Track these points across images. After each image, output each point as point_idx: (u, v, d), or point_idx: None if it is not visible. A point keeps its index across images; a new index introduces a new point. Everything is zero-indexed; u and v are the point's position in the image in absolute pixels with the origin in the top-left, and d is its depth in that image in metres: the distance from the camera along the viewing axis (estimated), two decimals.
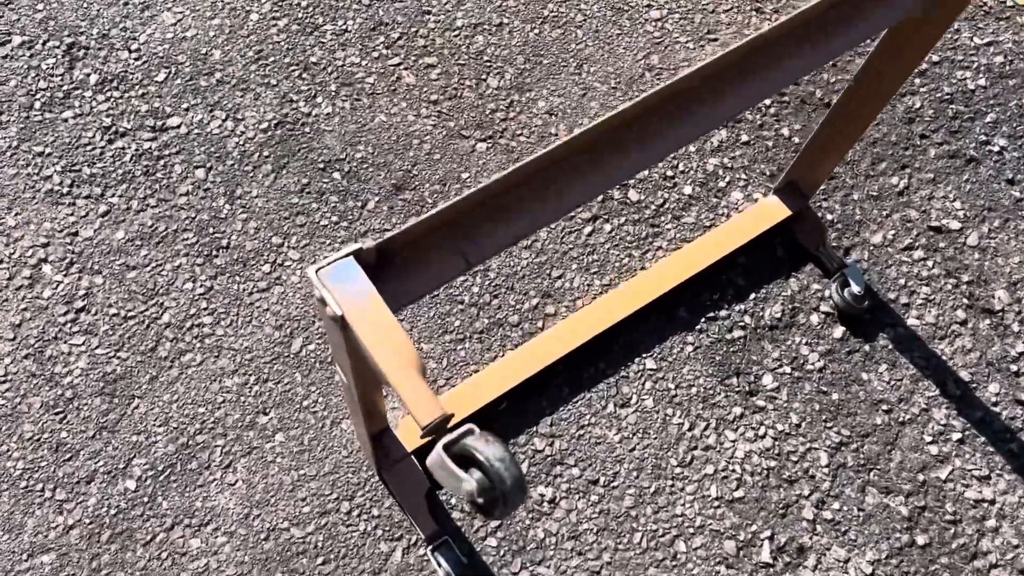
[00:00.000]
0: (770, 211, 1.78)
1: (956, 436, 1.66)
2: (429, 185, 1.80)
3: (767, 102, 1.95)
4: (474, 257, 0.86)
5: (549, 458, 1.60)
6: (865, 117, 1.45)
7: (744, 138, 1.91)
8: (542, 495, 1.56)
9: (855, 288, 1.70)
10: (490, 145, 1.85)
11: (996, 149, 1.93)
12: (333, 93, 1.88)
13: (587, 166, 0.92)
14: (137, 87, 1.84)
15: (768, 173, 1.87)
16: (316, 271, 0.77)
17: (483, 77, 1.92)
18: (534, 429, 1.60)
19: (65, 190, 1.72)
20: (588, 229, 1.79)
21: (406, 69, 1.92)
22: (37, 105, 1.81)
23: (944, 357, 1.73)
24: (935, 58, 2.02)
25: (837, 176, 1.89)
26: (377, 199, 1.78)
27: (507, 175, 0.86)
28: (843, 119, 1.48)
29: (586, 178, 0.91)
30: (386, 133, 1.84)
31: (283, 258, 1.71)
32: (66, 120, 1.79)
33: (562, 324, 1.67)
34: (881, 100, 1.40)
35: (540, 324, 1.70)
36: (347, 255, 0.78)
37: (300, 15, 1.95)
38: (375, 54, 1.93)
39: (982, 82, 2.00)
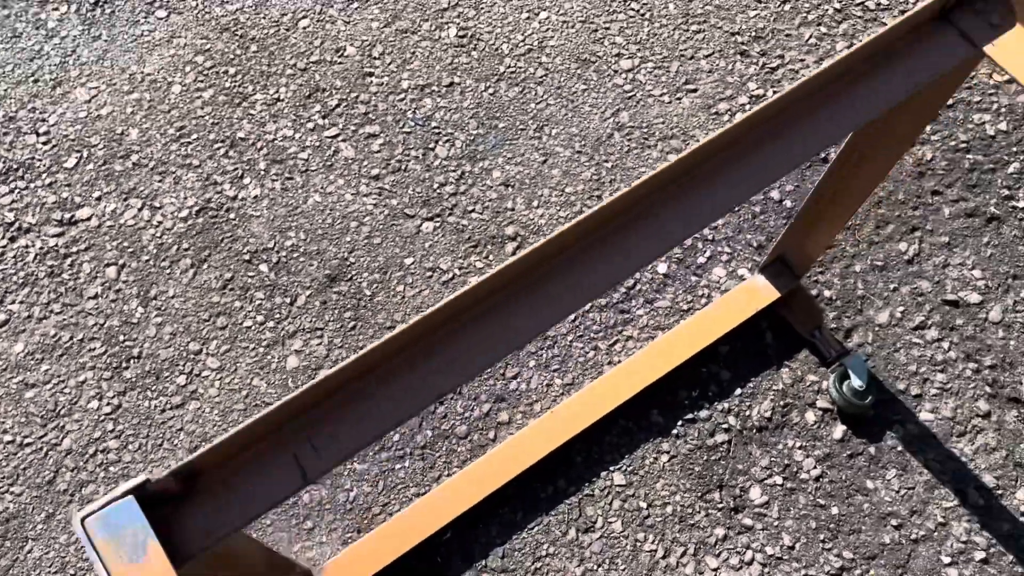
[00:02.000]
0: (756, 293, 1.62)
1: (979, 555, 1.48)
2: (367, 274, 1.67)
3: None
4: (313, 471, 0.72)
5: None
6: (864, 184, 1.28)
7: None
8: None
9: (856, 382, 1.53)
10: (438, 225, 1.71)
11: (1022, 205, 1.74)
12: (262, 172, 1.75)
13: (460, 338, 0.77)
14: (45, 175, 1.73)
15: (755, 244, 1.71)
16: (83, 519, 0.63)
17: (431, 146, 1.78)
18: (483, 563, 1.45)
19: None
20: None
21: (344, 141, 1.79)
22: None
23: (964, 458, 1.54)
24: (948, 100, 1.83)
25: (836, 244, 1.71)
26: (308, 293, 1.65)
27: (353, 361, 0.71)
28: (837, 187, 1.32)
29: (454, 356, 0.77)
30: (320, 216, 1.71)
31: (200, 367, 1.58)
32: None
33: (516, 436, 1.52)
34: (882, 164, 1.23)
35: (492, 435, 1.55)
36: (125, 494, 0.63)
37: (228, 84, 1.83)
38: (310, 125, 1.81)
39: (1003, 126, 1.81)
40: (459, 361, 0.78)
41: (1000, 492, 1.55)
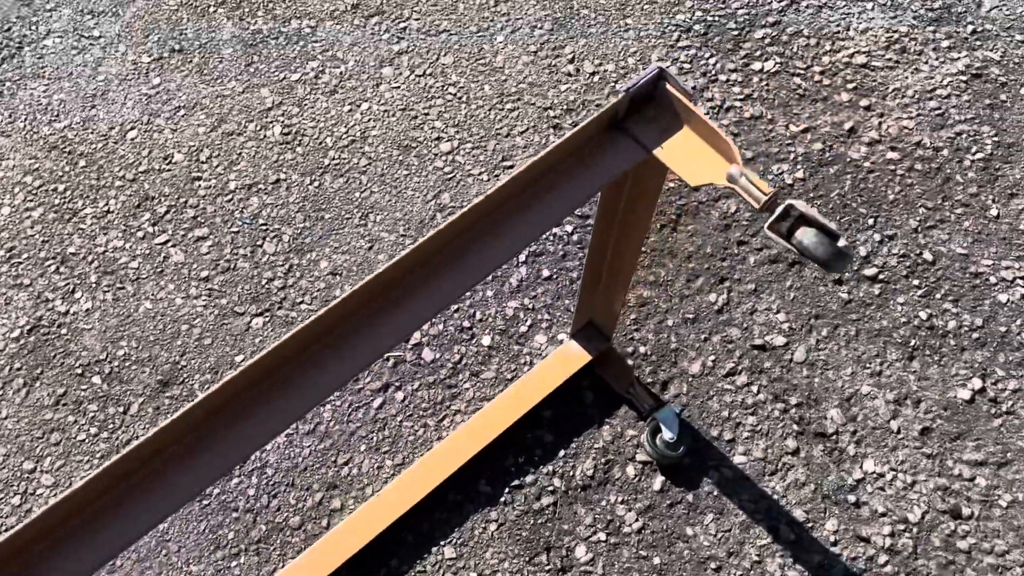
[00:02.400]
0: (570, 357, 1.72)
1: None
2: (199, 376, 1.73)
3: (568, 228, 1.89)
4: None
5: None
6: (629, 251, 1.38)
7: (545, 273, 1.85)
8: None
9: (667, 434, 1.63)
10: (267, 319, 1.78)
11: None
12: (93, 285, 1.81)
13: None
14: None
15: (573, 309, 1.81)
16: None
17: (259, 243, 1.86)
18: None
19: None
20: (378, 401, 1.72)
21: (174, 246, 1.86)
22: None
23: (776, 496, 1.64)
24: (749, 154, 1.98)
25: (650, 302, 1.82)
26: (141, 400, 1.70)
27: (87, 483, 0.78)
28: (606, 255, 1.42)
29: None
30: (152, 323, 1.77)
31: (35, 486, 1.62)
32: None
33: (346, 521, 1.59)
34: (637, 232, 1.33)
35: (325, 522, 1.61)
36: None
37: (57, 201, 1.90)
38: (140, 234, 1.87)
39: (800, 174, 1.96)
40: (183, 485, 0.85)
41: (810, 525, 1.65)
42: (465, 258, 1.00)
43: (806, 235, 0.92)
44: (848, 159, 2.02)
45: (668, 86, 1.04)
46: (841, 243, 0.93)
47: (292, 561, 1.59)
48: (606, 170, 1.06)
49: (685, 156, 1.04)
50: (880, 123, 2.06)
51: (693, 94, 1.02)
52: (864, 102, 2.09)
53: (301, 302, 1.84)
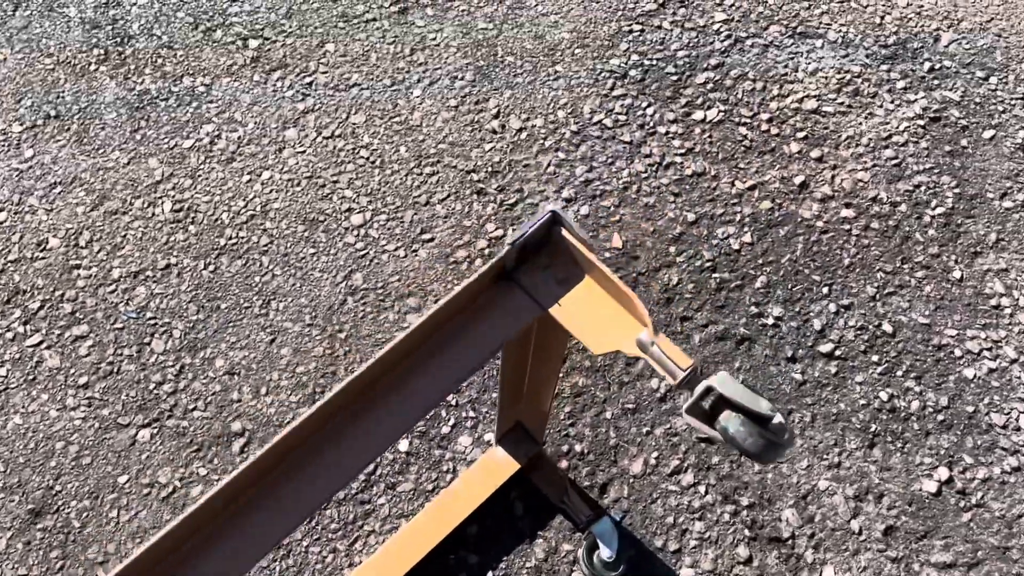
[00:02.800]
0: (496, 466, 1.54)
1: None
2: (76, 502, 1.53)
3: None
4: None
5: None
6: (549, 371, 1.21)
7: None
8: None
9: (604, 552, 1.46)
10: (155, 431, 1.59)
11: (770, 321, 1.72)
12: None
13: None
14: None
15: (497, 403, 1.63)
16: None
17: (146, 340, 1.66)
18: None
19: None
20: None
21: (48, 348, 1.65)
22: None
23: None
24: (691, 216, 1.81)
25: (586, 391, 1.65)
26: (10, 534, 1.50)
27: None
28: (524, 378, 1.25)
29: None
30: (21, 441, 1.57)
31: None
32: None
33: None
34: (555, 355, 1.17)
35: None
36: None
37: None
38: (9, 335, 1.66)
39: (747, 238, 1.80)
40: None
41: None
42: (342, 442, 0.83)
43: (731, 421, 0.76)
44: (799, 218, 1.86)
45: (564, 232, 0.86)
46: (776, 421, 0.77)
47: None
48: (499, 330, 0.88)
49: (587, 315, 0.87)
50: (833, 176, 1.91)
51: (591, 241, 0.85)
52: (815, 152, 1.93)
53: (194, 409, 1.64)
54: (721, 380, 0.75)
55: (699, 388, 0.76)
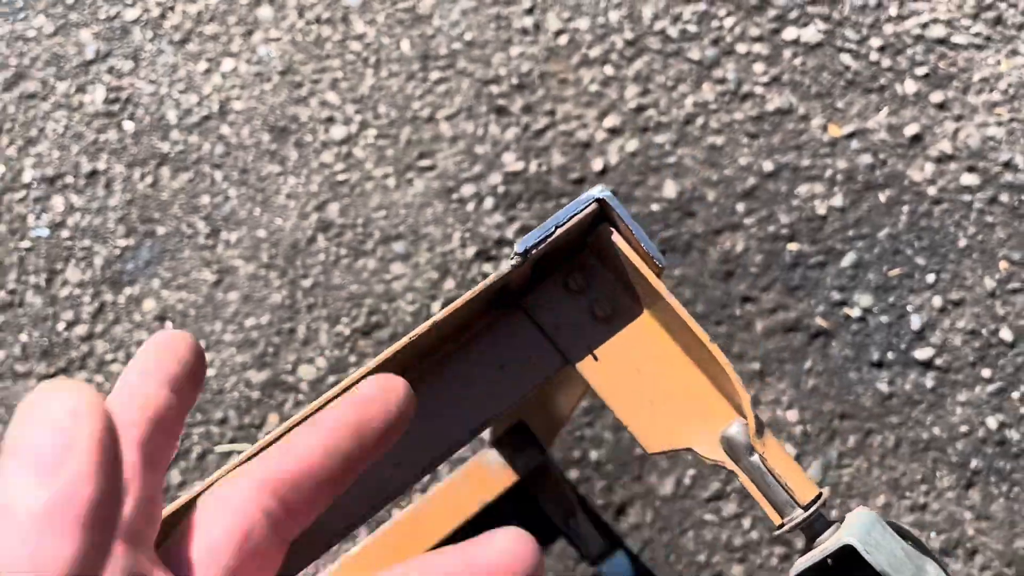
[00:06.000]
0: (487, 475, 1.26)
1: None
2: None
3: None
4: None
5: None
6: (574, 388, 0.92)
7: None
8: None
9: None
10: None
11: (856, 313, 1.40)
12: None
13: None
14: None
15: None
16: None
17: (58, 267, 1.37)
18: None
19: None
20: None
21: None
22: None
23: None
24: (768, 166, 1.47)
25: None
26: None
27: None
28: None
29: None
30: None
31: None
32: None
33: None
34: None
35: None
36: None
37: None
38: None
39: (837, 201, 1.46)
40: None
41: None
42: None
43: None
44: (907, 181, 1.51)
45: (615, 238, 0.53)
46: None
47: None
48: (491, 396, 0.56)
49: (640, 383, 0.55)
50: (956, 130, 1.55)
51: (659, 254, 0.52)
52: (936, 96, 1.57)
53: (113, 361, 1.36)
54: (865, 534, 0.44)
55: (828, 544, 0.45)
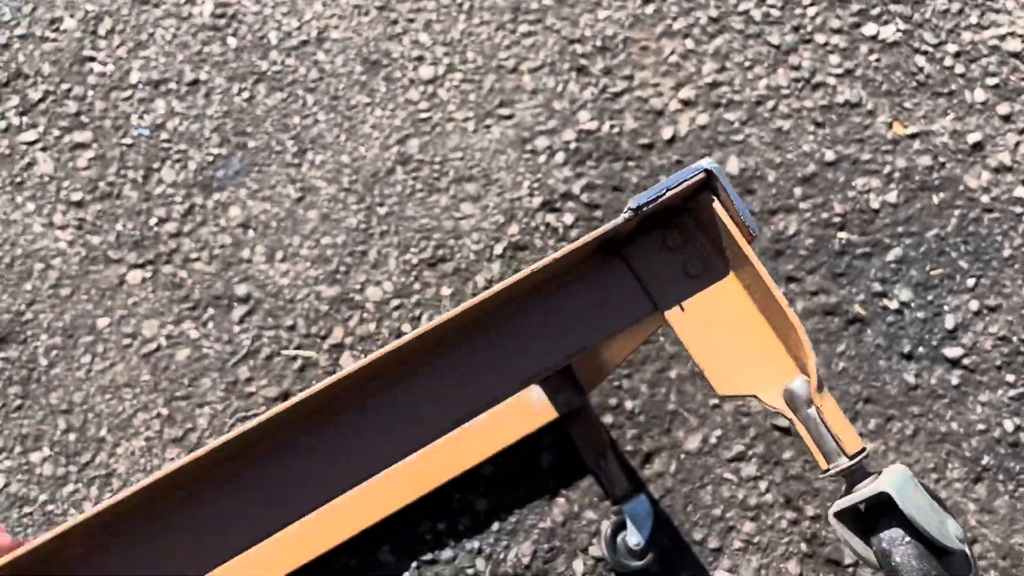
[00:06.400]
0: (529, 409, 1.37)
1: None
2: (47, 337, 1.40)
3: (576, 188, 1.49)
4: None
5: None
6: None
7: None
8: None
9: (633, 538, 1.31)
10: (149, 275, 1.43)
11: (894, 305, 1.48)
12: None
13: None
14: None
15: None
16: None
17: (155, 166, 1.48)
18: None
19: None
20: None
21: (45, 150, 1.49)
22: None
23: None
24: (830, 155, 1.54)
25: (653, 340, 1.45)
26: None
27: None
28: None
29: None
30: None
31: None
32: None
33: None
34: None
35: None
36: None
37: None
38: (2, 124, 1.48)
39: (892, 197, 1.53)
40: None
41: None
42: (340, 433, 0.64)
43: (899, 547, 0.56)
44: (962, 187, 1.58)
45: (717, 205, 0.62)
46: (959, 552, 0.57)
47: None
48: (585, 327, 0.66)
49: (719, 334, 0.65)
50: (1018, 143, 1.61)
51: (755, 224, 0.61)
52: (1003, 108, 1.62)
53: (197, 259, 1.47)
54: (900, 486, 0.54)
55: (867, 491, 0.55)
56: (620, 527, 1.37)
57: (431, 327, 0.59)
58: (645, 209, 0.59)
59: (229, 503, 0.64)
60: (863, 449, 0.58)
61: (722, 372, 0.63)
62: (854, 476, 0.58)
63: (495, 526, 1.41)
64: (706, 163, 0.61)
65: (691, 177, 0.60)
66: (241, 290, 1.48)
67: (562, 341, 0.65)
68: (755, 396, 0.63)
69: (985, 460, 1.47)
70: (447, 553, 1.39)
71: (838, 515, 0.59)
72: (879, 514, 0.58)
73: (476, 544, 1.40)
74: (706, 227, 0.64)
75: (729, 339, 0.65)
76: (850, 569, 1.42)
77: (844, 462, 0.58)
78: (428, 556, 1.38)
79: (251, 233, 1.51)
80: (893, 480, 0.55)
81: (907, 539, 0.55)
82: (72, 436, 1.41)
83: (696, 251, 0.65)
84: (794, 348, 0.62)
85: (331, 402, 0.62)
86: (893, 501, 0.55)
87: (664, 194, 0.60)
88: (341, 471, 0.64)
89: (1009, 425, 1.48)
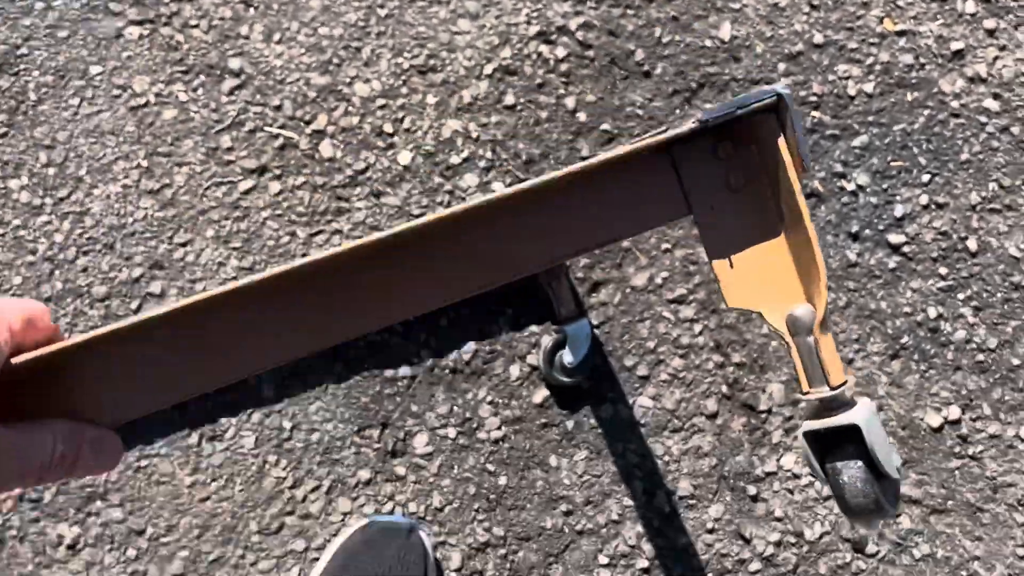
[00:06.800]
0: None
1: (642, 564, 1.42)
2: (39, 74, 1.45)
3: (559, 51, 1.55)
4: None
5: (88, 489, 1.34)
6: None
7: (509, 99, 1.55)
8: (61, 536, 1.32)
9: (568, 357, 1.40)
10: (147, 33, 1.47)
11: (851, 187, 1.57)
12: None
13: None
14: None
15: (525, 158, 1.51)
16: None
17: None
18: None
19: None
20: (247, 184, 1.46)
21: None
22: None
23: (668, 457, 1.46)
24: (819, 38, 1.60)
25: None
26: None
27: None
28: None
29: None
30: None
31: None
32: None
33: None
34: None
35: (135, 305, 1.39)
36: None
37: None
38: None
39: (869, 87, 1.61)
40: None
41: (692, 503, 1.47)
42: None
43: (850, 469, 0.66)
44: (936, 89, 1.66)
45: (782, 138, 0.64)
46: (896, 482, 0.66)
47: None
48: (625, 218, 0.69)
49: (742, 249, 0.69)
50: (996, 58, 1.68)
51: (809, 156, 0.66)
52: (990, 23, 1.69)
53: (196, 26, 1.51)
54: (868, 421, 0.62)
55: (840, 419, 0.62)
56: (559, 345, 1.46)
57: (498, 196, 0.61)
58: (713, 119, 0.63)
59: (294, 314, 0.66)
60: (845, 382, 0.66)
61: (734, 285, 0.67)
62: (833, 407, 0.65)
63: (443, 322, 1.50)
64: (780, 87, 0.64)
65: (764, 99, 0.63)
66: (234, 64, 1.52)
67: (597, 230, 0.67)
68: (759, 313, 0.68)
69: (904, 340, 1.58)
70: (395, 340, 1.48)
71: (807, 434, 0.67)
72: (839, 435, 0.65)
73: (423, 336, 1.49)
74: (761, 145, 0.67)
75: (750, 257, 0.68)
76: (763, 416, 1.53)
77: (826, 391, 0.65)
78: (378, 338, 1.48)
79: (252, 11, 1.54)
80: (864, 414, 0.63)
81: (859, 463, 0.63)
82: (51, 171, 1.46)
83: (742, 165, 0.68)
84: (808, 280, 0.66)
85: (402, 244, 0.67)
86: (858, 429, 0.63)
87: (735, 112, 0.63)
88: (393, 304, 0.70)
89: (932, 312, 1.59)
